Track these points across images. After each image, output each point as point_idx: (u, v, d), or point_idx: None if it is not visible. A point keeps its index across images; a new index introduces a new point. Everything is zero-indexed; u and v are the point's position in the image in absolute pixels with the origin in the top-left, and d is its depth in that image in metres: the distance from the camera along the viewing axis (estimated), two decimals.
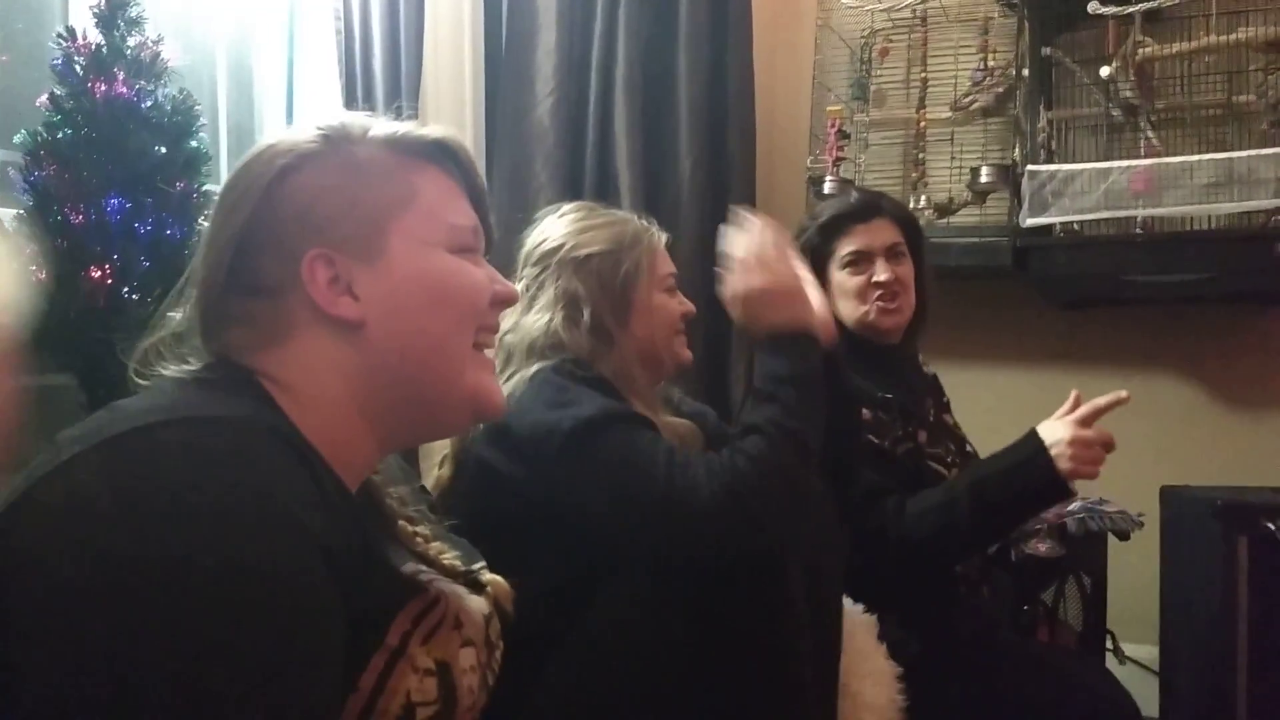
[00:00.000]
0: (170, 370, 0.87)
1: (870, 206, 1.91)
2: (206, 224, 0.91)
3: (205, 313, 0.88)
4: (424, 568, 0.93)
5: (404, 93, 2.65)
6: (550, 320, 1.47)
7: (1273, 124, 2.51)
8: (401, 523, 0.97)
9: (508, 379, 1.42)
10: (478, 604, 0.95)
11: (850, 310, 1.88)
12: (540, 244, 1.54)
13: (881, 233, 1.88)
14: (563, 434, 1.28)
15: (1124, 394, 1.68)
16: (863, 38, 3.00)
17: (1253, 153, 2.44)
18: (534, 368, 1.40)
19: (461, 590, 0.94)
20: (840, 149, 2.89)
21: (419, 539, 0.97)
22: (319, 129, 0.91)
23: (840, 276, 1.89)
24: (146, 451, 0.70)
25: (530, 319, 1.49)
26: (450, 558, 0.98)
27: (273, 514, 0.70)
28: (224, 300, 0.87)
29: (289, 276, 0.86)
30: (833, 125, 2.90)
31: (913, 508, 1.67)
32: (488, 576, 1.00)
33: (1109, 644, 2.35)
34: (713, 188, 2.95)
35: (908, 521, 1.66)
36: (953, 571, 1.82)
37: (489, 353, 0.98)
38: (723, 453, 1.27)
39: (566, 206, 1.60)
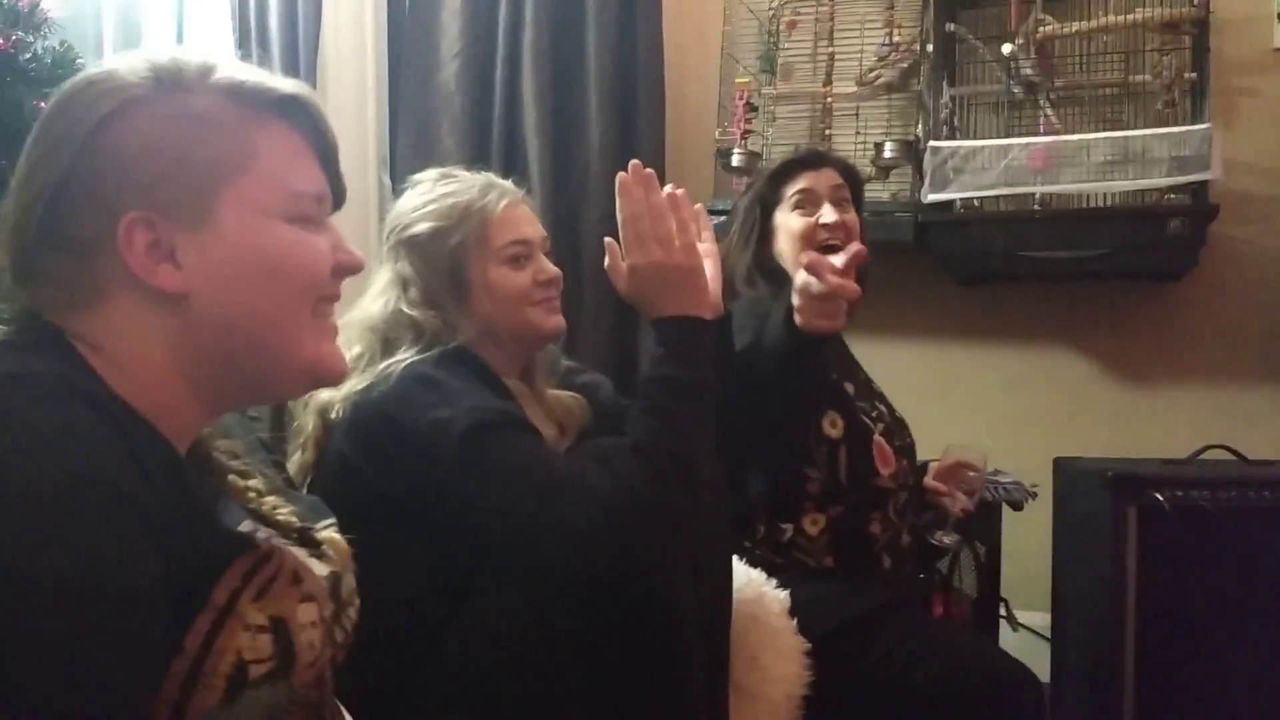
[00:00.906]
0: None
1: (817, 155, 2.01)
2: (19, 165, 0.82)
3: (13, 265, 0.81)
4: (262, 527, 0.88)
5: (301, 51, 2.58)
6: (387, 303, 1.42)
7: (1167, 104, 2.58)
8: (232, 477, 0.91)
9: (365, 366, 1.37)
10: (316, 563, 0.90)
11: (795, 255, 1.85)
12: (388, 220, 1.50)
13: (827, 178, 1.93)
14: (450, 441, 1.23)
15: (858, 247, 1.52)
16: (771, 10, 3.00)
17: (1148, 132, 2.52)
18: (406, 359, 1.35)
19: (298, 551, 0.89)
20: (748, 121, 2.89)
21: (251, 493, 0.92)
22: (151, 68, 0.82)
23: (788, 219, 1.91)
24: None
25: (368, 300, 1.44)
26: (286, 513, 0.92)
27: (73, 473, 0.65)
28: (33, 253, 0.80)
29: (105, 236, 0.79)
30: (741, 97, 2.90)
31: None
32: (324, 535, 0.95)
33: (1003, 611, 2.40)
34: (623, 157, 2.90)
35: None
36: (874, 540, 1.83)
37: (331, 318, 0.91)
38: (603, 470, 1.24)
39: (421, 175, 1.52)
